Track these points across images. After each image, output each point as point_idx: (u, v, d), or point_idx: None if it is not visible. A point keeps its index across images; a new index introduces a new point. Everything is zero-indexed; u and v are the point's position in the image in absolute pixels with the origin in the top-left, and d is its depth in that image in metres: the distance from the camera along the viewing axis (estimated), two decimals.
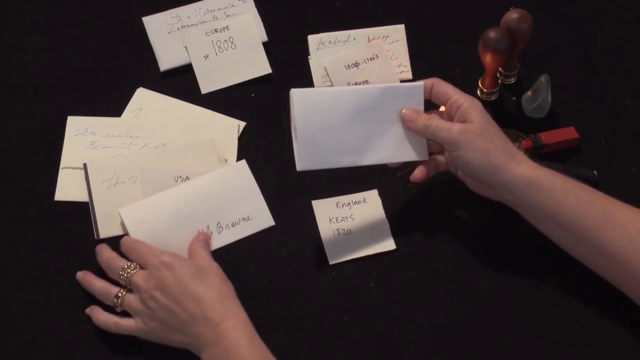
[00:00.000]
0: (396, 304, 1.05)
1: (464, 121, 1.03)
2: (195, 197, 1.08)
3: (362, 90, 1.05)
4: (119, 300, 1.01)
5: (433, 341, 1.02)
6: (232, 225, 1.09)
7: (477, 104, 1.04)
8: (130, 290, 1.01)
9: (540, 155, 1.14)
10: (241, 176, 1.11)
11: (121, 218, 1.07)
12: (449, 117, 1.05)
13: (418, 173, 1.06)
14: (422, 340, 1.02)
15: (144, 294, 0.99)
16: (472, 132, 1.01)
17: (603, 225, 0.97)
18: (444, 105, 1.06)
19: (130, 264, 1.02)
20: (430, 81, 1.06)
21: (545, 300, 1.04)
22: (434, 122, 1.03)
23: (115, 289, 1.01)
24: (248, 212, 1.09)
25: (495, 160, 1.00)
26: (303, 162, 1.03)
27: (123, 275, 1.01)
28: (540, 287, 1.04)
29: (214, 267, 1.00)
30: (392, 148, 1.06)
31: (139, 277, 1.00)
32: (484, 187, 1.04)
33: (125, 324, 1.00)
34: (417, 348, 1.02)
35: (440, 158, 1.08)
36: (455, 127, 1.02)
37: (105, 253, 1.04)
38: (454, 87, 1.06)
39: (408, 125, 1.05)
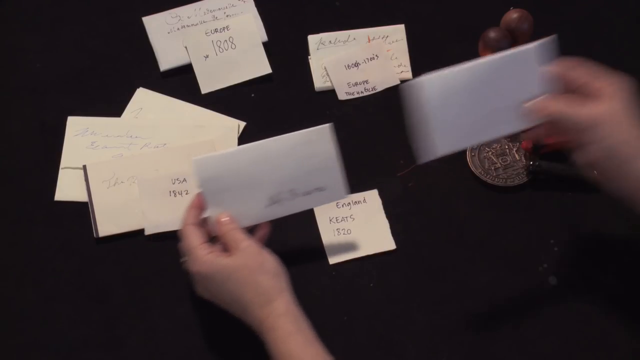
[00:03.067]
0: (396, 304, 1.05)
1: (600, 102, 0.92)
2: (272, 159, 1.00)
3: (489, 62, 0.98)
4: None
5: (433, 341, 1.02)
6: (304, 195, 1.02)
7: (623, 87, 0.93)
8: None
9: (541, 155, 1.14)
10: (323, 141, 1.01)
11: (193, 168, 0.98)
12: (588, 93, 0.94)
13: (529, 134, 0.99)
14: (422, 340, 1.02)
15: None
16: (615, 114, 0.91)
17: None
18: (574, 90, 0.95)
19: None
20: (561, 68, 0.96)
21: (545, 300, 1.04)
22: (562, 109, 0.93)
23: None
24: (323, 182, 1.02)
25: (628, 151, 0.90)
26: (441, 146, 0.99)
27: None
28: (540, 287, 1.04)
29: (245, 259, 0.96)
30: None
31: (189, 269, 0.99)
32: (608, 179, 0.94)
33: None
34: (417, 348, 1.02)
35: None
36: (592, 109, 0.91)
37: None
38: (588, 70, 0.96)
39: (534, 117, 0.96)
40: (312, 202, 1.03)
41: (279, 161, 1.00)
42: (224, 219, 0.99)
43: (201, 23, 1.27)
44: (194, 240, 0.98)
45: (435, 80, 0.98)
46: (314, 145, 1.01)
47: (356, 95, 1.22)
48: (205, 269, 0.96)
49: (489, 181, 1.13)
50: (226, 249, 0.99)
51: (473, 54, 1.16)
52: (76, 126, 1.18)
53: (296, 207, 1.03)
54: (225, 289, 0.96)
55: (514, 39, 1.13)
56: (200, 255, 0.97)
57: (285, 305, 0.95)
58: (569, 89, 0.96)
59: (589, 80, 0.94)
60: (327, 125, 1.01)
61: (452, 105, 0.98)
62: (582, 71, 0.95)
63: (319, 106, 1.21)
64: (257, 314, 0.95)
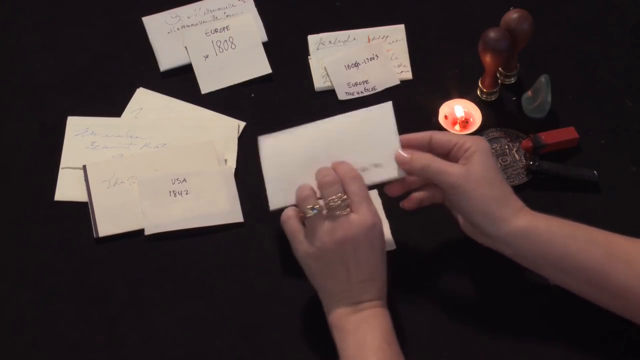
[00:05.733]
0: (396, 304, 1.05)
1: (467, 164, 0.99)
2: (333, 135, 1.02)
3: (328, 123, 1.03)
4: (311, 211, 0.96)
5: (433, 341, 1.02)
6: (362, 171, 1.00)
7: (484, 146, 1.00)
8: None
9: (541, 155, 1.14)
10: (384, 118, 1.02)
11: (258, 146, 1.02)
12: (455, 160, 1.01)
13: (407, 203, 1.05)
14: (422, 340, 1.02)
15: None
16: (474, 179, 0.97)
17: (607, 265, 0.94)
18: (448, 153, 1.01)
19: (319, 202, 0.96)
20: (427, 134, 1.02)
21: (545, 300, 1.04)
22: (433, 163, 0.99)
23: (313, 201, 0.97)
24: (381, 158, 1.02)
25: (493, 211, 0.97)
26: (274, 203, 1.02)
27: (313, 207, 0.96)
28: (540, 287, 1.04)
29: (366, 234, 0.95)
30: (366, 172, 1.02)
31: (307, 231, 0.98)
32: (478, 234, 1.02)
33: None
34: (417, 348, 1.02)
35: (437, 192, 1.04)
36: (457, 171, 0.98)
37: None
38: (454, 133, 1.03)
39: (403, 168, 1.01)
40: (367, 178, 1.01)
41: (339, 137, 1.02)
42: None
43: (201, 23, 1.27)
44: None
45: (271, 140, 1.02)
46: (375, 121, 1.03)
47: (356, 95, 1.22)
48: (364, 229, 0.95)
49: None
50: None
51: (473, 54, 1.16)
52: (76, 126, 1.18)
53: None
54: (369, 254, 0.95)
55: (514, 38, 1.13)
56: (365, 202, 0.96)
57: (377, 309, 0.96)
58: (444, 150, 1.02)
59: (458, 143, 1.00)
60: (389, 102, 1.03)
61: (289, 164, 1.01)
62: (449, 136, 1.02)
63: (319, 106, 1.21)
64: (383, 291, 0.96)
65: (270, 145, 1.02)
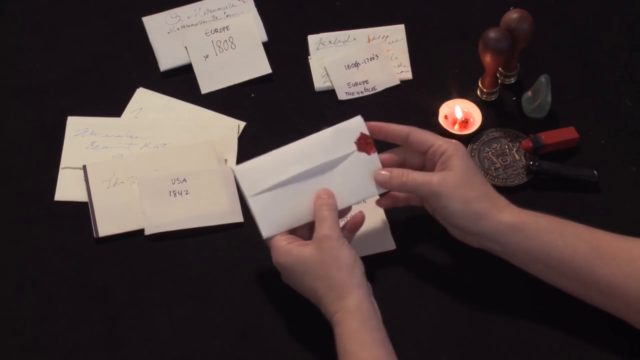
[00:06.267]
0: (396, 304, 1.05)
1: (444, 169, 1.00)
2: (311, 157, 1.01)
3: (301, 143, 1.01)
4: None
5: (433, 341, 1.02)
6: (342, 192, 1.01)
7: (461, 150, 1.01)
8: None
9: (541, 155, 1.14)
10: (356, 133, 1.02)
11: (235, 177, 1.00)
12: (432, 163, 1.02)
13: (383, 201, 1.05)
14: (422, 340, 1.02)
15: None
16: (453, 182, 0.98)
17: (593, 261, 0.95)
18: (425, 153, 1.02)
19: None
20: (406, 129, 1.03)
21: (545, 300, 1.04)
22: (410, 176, 1.00)
23: None
24: (359, 179, 1.02)
25: (477, 209, 0.98)
26: (266, 230, 1.00)
27: None
28: (540, 287, 1.04)
29: (321, 253, 0.96)
30: (345, 192, 1.02)
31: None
32: (467, 234, 1.02)
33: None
34: (417, 348, 1.02)
35: (414, 195, 1.05)
36: (435, 178, 0.99)
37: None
38: (433, 133, 1.02)
39: (384, 187, 1.02)
40: (347, 200, 1.02)
41: (315, 157, 1.01)
42: (323, 194, 1.00)
43: (201, 23, 1.27)
44: None
45: (247, 168, 1.00)
46: (348, 138, 1.02)
47: (356, 95, 1.22)
48: (283, 260, 0.98)
49: (489, 181, 1.13)
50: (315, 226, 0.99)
51: (473, 54, 1.16)
52: (76, 126, 1.18)
53: (343, 202, 1.02)
54: (302, 281, 0.98)
55: (514, 38, 1.13)
56: (279, 247, 0.98)
57: (356, 302, 0.95)
58: (420, 150, 1.02)
59: (435, 145, 1.01)
60: (358, 116, 1.03)
61: (270, 189, 1.00)
62: (427, 136, 1.02)
63: (319, 106, 1.21)
64: (329, 309, 0.96)
65: (248, 178, 1.00)
